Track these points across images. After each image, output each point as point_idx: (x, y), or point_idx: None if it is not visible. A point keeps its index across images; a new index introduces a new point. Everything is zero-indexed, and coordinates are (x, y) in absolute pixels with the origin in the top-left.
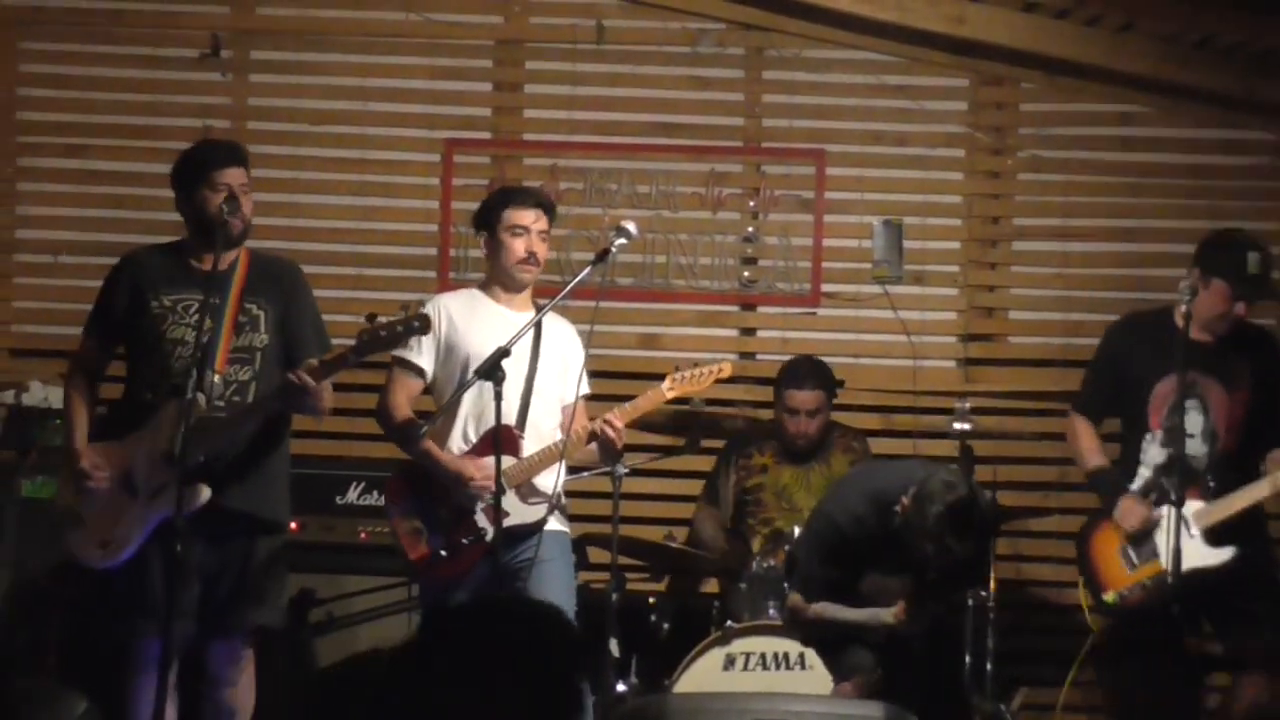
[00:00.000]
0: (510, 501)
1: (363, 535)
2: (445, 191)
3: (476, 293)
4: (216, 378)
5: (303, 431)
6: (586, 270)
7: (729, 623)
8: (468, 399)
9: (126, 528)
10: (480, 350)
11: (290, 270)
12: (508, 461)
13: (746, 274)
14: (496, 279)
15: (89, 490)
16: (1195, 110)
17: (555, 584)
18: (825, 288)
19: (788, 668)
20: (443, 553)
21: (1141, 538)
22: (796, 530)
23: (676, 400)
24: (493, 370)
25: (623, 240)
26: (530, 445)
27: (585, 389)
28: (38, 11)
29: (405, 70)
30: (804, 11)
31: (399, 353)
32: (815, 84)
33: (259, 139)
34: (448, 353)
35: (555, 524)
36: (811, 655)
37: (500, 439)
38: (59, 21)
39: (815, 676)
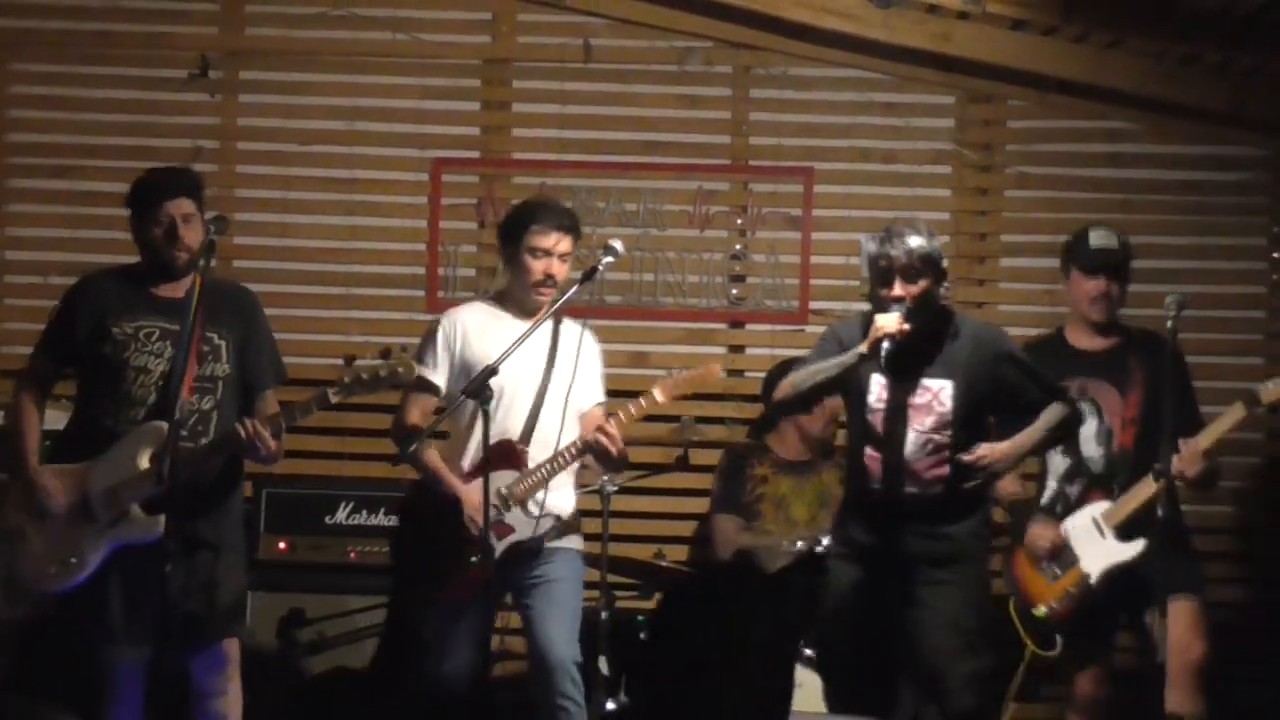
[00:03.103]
0: (515, 517)
1: (352, 555)
2: (434, 210)
3: (490, 305)
4: (181, 406)
5: (292, 451)
6: (574, 288)
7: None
8: (479, 411)
9: (82, 552)
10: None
11: (247, 297)
12: (511, 476)
13: (735, 291)
14: (512, 294)
15: (47, 511)
16: (1182, 126)
17: (560, 605)
18: (813, 305)
19: None
20: (454, 579)
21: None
22: (784, 542)
23: (666, 415)
24: (480, 389)
25: (610, 258)
26: (538, 458)
27: (601, 396)
28: (27, 33)
29: (394, 90)
30: (791, 30)
31: (418, 368)
32: (803, 102)
33: (248, 159)
34: (461, 368)
35: (568, 541)
36: (801, 673)
37: (489, 459)
38: (48, 43)
39: (804, 694)
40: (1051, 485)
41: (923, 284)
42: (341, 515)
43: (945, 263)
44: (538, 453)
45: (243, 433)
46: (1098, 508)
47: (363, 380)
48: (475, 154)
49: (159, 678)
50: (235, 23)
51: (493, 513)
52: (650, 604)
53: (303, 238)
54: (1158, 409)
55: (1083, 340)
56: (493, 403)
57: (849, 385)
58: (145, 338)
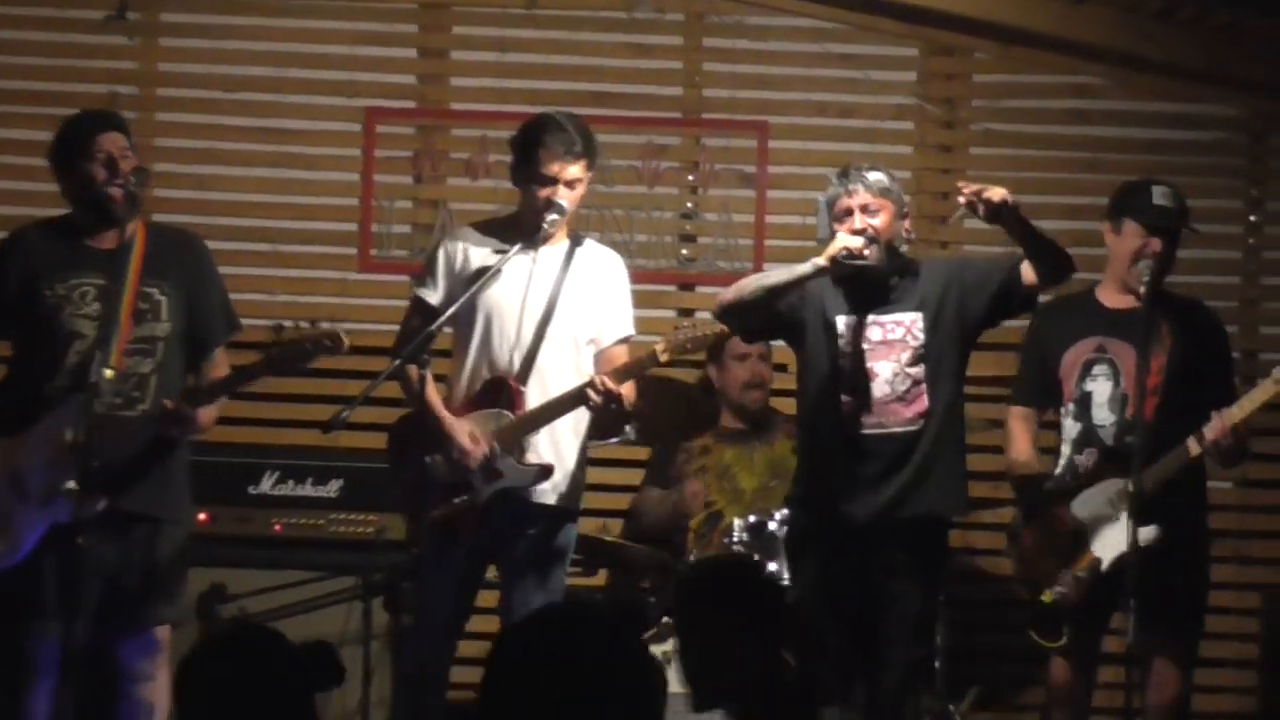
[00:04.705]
0: (506, 463)
1: (277, 527)
2: (367, 163)
3: (498, 226)
4: (110, 373)
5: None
6: (517, 247)
7: (664, 619)
8: (476, 343)
9: (16, 531)
10: (491, 293)
11: (194, 245)
12: (503, 417)
13: (685, 252)
14: (521, 216)
15: None
16: (1154, 83)
17: (541, 590)
18: (767, 266)
19: None
20: (435, 512)
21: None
22: (735, 519)
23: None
24: (416, 353)
25: (554, 216)
26: (536, 398)
27: (624, 331)
28: None
29: (325, 35)
30: None
31: (417, 289)
32: (758, 52)
33: (169, 106)
34: (461, 290)
35: (568, 501)
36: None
37: (409, 429)
38: None
39: None
40: (1065, 453)
41: (884, 218)
42: (266, 485)
43: (906, 198)
44: (536, 392)
45: (165, 412)
46: (1113, 485)
47: (290, 353)
48: (411, 104)
49: (80, 657)
50: None
51: (476, 465)
52: (595, 581)
53: (226, 191)
54: (1187, 381)
55: (1111, 298)
56: (480, 333)
57: (805, 330)
58: (80, 298)
